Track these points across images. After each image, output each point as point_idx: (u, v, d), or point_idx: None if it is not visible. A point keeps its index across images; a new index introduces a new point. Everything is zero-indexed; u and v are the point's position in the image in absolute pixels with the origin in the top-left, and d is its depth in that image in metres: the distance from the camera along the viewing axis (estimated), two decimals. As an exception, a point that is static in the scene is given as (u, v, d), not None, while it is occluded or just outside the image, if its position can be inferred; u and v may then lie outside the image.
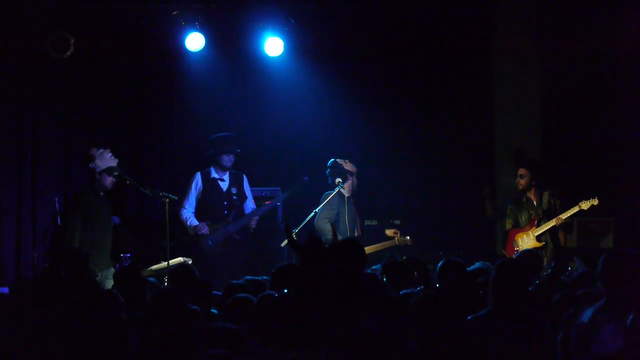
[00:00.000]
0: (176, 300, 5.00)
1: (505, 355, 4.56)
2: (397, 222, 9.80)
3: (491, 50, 10.61)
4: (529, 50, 10.51)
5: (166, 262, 8.50)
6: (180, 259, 8.63)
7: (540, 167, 9.69)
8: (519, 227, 9.28)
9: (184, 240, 9.31)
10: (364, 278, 5.19)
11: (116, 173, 8.44)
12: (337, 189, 9.17)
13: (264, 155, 10.39)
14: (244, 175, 9.41)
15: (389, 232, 9.62)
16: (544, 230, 9.10)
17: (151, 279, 6.62)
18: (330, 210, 9.19)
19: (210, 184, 9.24)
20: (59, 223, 9.34)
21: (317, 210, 9.03)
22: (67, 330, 4.71)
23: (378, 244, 9.45)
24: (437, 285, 5.85)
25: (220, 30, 9.99)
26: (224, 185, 9.28)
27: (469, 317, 4.88)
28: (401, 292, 5.52)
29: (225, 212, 9.17)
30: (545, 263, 8.67)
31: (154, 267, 8.83)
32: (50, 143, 10.19)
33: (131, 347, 4.56)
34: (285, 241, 8.39)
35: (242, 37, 10.03)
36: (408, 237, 9.53)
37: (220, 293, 5.89)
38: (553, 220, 9.05)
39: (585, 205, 8.91)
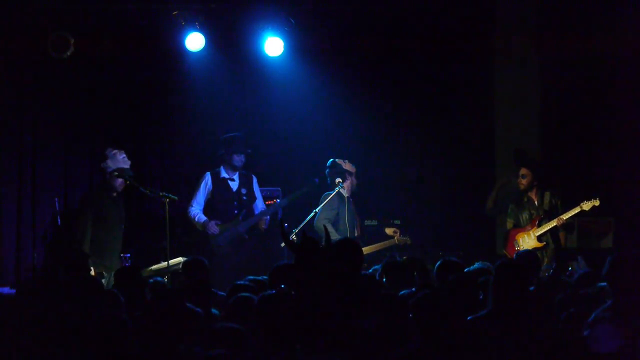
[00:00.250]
0: (175, 300, 4.99)
1: (506, 355, 4.56)
2: (397, 222, 9.80)
3: (491, 50, 10.62)
4: (529, 50, 10.51)
5: (166, 262, 8.52)
6: (180, 259, 8.63)
7: (542, 167, 9.69)
8: (519, 227, 9.27)
9: (190, 239, 9.34)
10: (362, 278, 5.19)
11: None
12: (337, 189, 9.17)
13: (263, 155, 10.39)
14: (254, 176, 9.45)
15: (388, 230, 9.63)
16: (545, 230, 9.10)
17: (158, 278, 6.62)
18: (329, 210, 9.19)
19: (220, 184, 9.27)
20: (59, 223, 9.35)
21: (317, 210, 9.03)
22: (67, 330, 4.72)
23: (378, 244, 9.45)
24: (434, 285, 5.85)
25: (220, 30, 9.99)
26: (234, 185, 9.31)
27: (469, 318, 4.88)
28: (401, 293, 5.52)
29: (235, 211, 9.20)
30: (545, 263, 8.68)
31: (154, 267, 8.84)
32: (50, 143, 10.19)
33: (131, 347, 4.56)
34: (286, 241, 8.38)
35: (242, 37, 10.03)
36: (408, 237, 9.54)
37: (224, 293, 5.92)
38: (554, 220, 9.05)
39: (586, 205, 8.91)
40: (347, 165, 9.45)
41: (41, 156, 10.14)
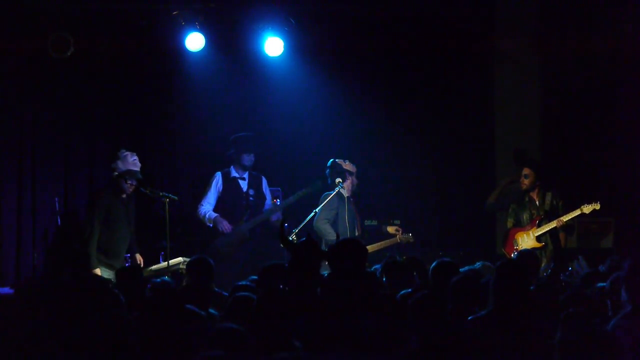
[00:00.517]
0: (175, 301, 5.00)
1: (506, 355, 4.56)
2: (397, 222, 9.79)
3: (491, 50, 10.62)
4: (529, 50, 10.51)
5: (166, 262, 8.52)
6: (180, 259, 8.64)
7: (545, 167, 9.68)
8: (520, 226, 9.28)
9: (191, 239, 9.38)
10: (365, 275, 5.18)
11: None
12: (337, 189, 9.17)
13: (263, 155, 10.38)
14: (263, 177, 9.53)
15: (390, 229, 9.63)
16: (544, 231, 9.10)
17: (165, 278, 6.63)
18: (329, 210, 9.19)
19: (230, 183, 9.35)
20: (59, 223, 9.36)
21: (317, 210, 9.04)
22: (67, 329, 4.72)
23: (380, 242, 9.45)
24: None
25: (220, 30, 9.99)
26: (244, 185, 9.37)
27: (469, 318, 4.88)
28: (401, 292, 5.52)
29: (242, 211, 9.23)
30: (544, 264, 8.67)
31: (154, 267, 8.84)
32: (50, 143, 10.18)
33: (131, 347, 4.56)
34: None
35: (242, 37, 10.03)
36: (410, 235, 9.53)
37: (227, 293, 5.93)
38: (554, 221, 9.05)
39: (587, 209, 8.92)
40: (347, 165, 9.45)
41: (41, 156, 10.13)
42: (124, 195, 8.60)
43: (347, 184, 9.39)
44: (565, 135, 10.55)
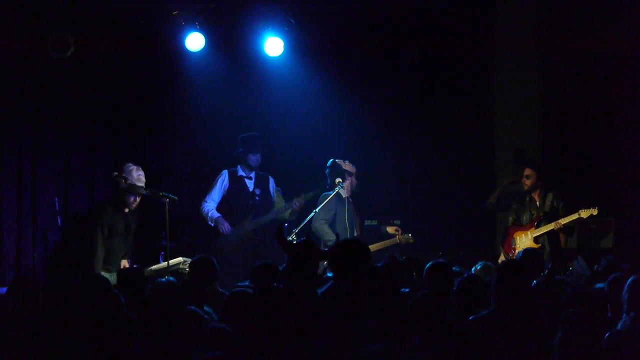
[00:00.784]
0: (173, 301, 5.00)
1: (507, 355, 4.56)
2: (397, 222, 9.79)
3: (491, 50, 10.62)
4: (529, 50, 10.52)
5: (166, 262, 8.51)
6: (180, 259, 8.63)
7: (546, 167, 9.68)
8: (520, 226, 9.28)
9: (191, 239, 9.38)
10: (370, 275, 5.15)
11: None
12: (337, 189, 9.17)
13: (263, 155, 10.38)
14: (271, 178, 9.54)
15: (390, 229, 9.63)
16: (542, 232, 9.11)
17: (171, 278, 6.62)
18: (327, 211, 9.19)
19: (237, 182, 9.38)
20: (59, 223, 9.36)
21: (316, 210, 9.04)
22: (67, 328, 4.72)
23: (380, 243, 9.45)
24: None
25: (220, 30, 9.98)
26: (250, 184, 9.39)
27: (470, 318, 4.88)
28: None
29: (247, 210, 9.25)
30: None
31: (154, 267, 8.83)
32: (50, 143, 10.18)
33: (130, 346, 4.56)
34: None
35: (242, 37, 10.03)
36: (410, 235, 9.53)
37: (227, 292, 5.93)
38: (552, 224, 9.06)
39: (584, 213, 8.93)
40: (347, 166, 9.45)
41: (41, 156, 10.13)
42: (126, 210, 8.49)
43: (347, 184, 9.39)
44: (565, 135, 10.54)
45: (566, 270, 8.01)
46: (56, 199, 9.52)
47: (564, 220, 9.02)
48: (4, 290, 7.76)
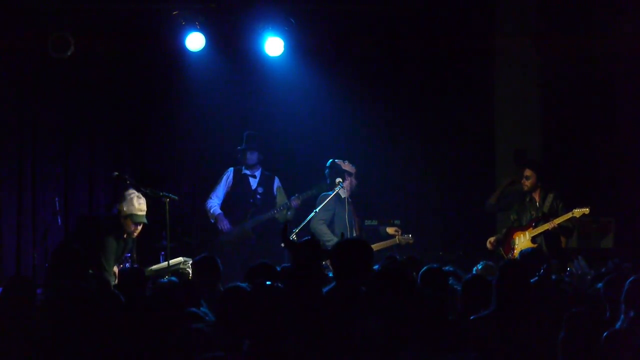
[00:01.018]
0: (172, 301, 5.00)
1: (509, 355, 4.56)
2: (397, 222, 9.79)
3: (491, 50, 10.62)
4: (528, 50, 10.52)
5: (166, 262, 8.51)
6: (180, 259, 8.63)
7: (546, 168, 9.69)
8: (520, 226, 9.29)
9: (191, 239, 9.41)
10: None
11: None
12: (337, 189, 9.16)
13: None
14: (276, 178, 9.60)
15: (390, 230, 9.63)
16: (539, 232, 9.12)
17: (173, 278, 6.60)
18: (325, 211, 9.17)
19: (240, 180, 9.47)
20: (59, 223, 9.35)
21: (317, 210, 9.03)
22: (68, 330, 4.72)
23: (380, 243, 9.45)
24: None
25: (220, 30, 9.98)
26: (254, 183, 9.48)
27: (472, 317, 4.88)
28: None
29: (247, 208, 9.34)
30: (540, 264, 8.67)
31: (154, 267, 8.83)
32: (50, 143, 10.18)
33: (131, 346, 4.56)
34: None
35: (242, 37, 10.03)
36: (410, 235, 9.53)
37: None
38: (547, 224, 9.07)
39: (577, 212, 8.94)
40: (346, 166, 9.45)
41: (41, 156, 10.13)
42: (125, 235, 8.29)
43: (346, 184, 9.38)
44: (565, 135, 10.55)
45: (565, 270, 8.01)
46: (56, 199, 9.52)
47: (558, 220, 9.03)
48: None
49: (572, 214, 8.96)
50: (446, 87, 10.66)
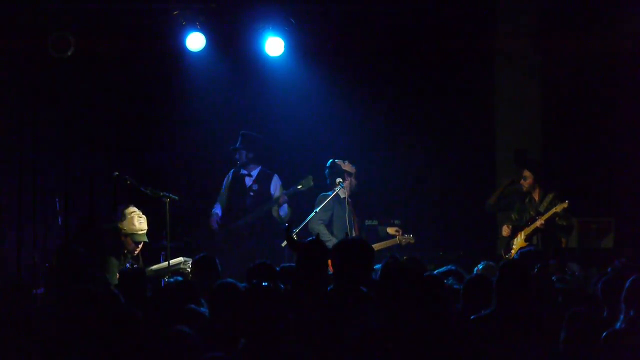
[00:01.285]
0: (172, 300, 5.00)
1: (509, 354, 4.56)
2: (397, 222, 9.79)
3: (491, 50, 10.62)
4: (529, 50, 10.52)
5: (166, 262, 8.50)
6: (180, 259, 8.62)
7: (544, 168, 9.68)
8: (520, 225, 9.29)
9: (191, 239, 9.46)
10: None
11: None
12: (337, 189, 9.16)
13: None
14: (275, 175, 9.60)
15: (390, 230, 9.63)
16: (530, 231, 9.12)
17: (178, 277, 6.60)
18: (324, 212, 9.17)
19: (236, 180, 9.54)
20: (60, 223, 9.35)
21: (317, 210, 9.04)
22: (67, 330, 4.72)
23: (380, 243, 9.44)
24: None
25: (220, 30, 9.98)
26: (249, 181, 9.53)
27: (472, 317, 4.88)
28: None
29: (240, 206, 9.40)
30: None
31: (154, 267, 8.82)
32: (50, 143, 10.18)
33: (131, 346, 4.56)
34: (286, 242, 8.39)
35: (243, 37, 10.03)
36: (411, 235, 9.53)
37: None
38: (535, 222, 9.07)
39: (558, 207, 8.95)
40: (346, 166, 9.45)
41: (41, 156, 10.12)
42: (125, 251, 8.26)
43: (346, 184, 9.38)
44: (565, 135, 10.55)
45: (564, 270, 8.02)
46: (56, 199, 9.52)
47: (544, 217, 9.02)
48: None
49: (555, 209, 8.96)
50: (446, 87, 10.66)
